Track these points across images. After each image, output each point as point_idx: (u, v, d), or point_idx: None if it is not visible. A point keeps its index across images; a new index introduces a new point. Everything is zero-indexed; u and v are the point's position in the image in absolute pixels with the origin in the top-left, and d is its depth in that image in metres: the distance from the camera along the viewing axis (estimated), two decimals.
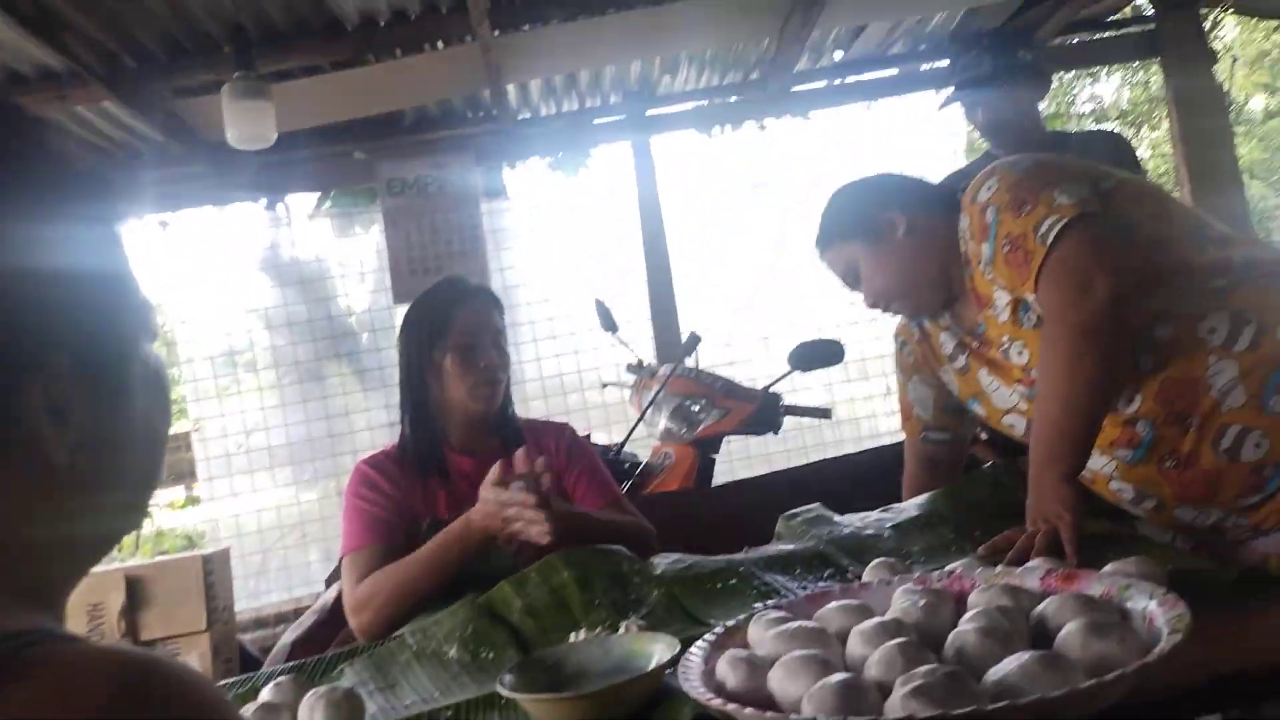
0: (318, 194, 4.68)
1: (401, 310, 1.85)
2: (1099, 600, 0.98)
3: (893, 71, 4.07)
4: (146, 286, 0.62)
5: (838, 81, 4.16)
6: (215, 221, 3.94)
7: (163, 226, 4.00)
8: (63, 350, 0.53)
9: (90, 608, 2.44)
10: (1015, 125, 2.25)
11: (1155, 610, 0.93)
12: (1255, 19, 8.12)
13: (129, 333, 0.58)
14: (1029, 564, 1.13)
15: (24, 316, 0.52)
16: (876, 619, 1.01)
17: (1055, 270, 1.29)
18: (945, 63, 3.80)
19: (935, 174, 2.11)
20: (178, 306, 3.68)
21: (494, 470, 1.49)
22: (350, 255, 3.88)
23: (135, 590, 2.47)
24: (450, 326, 1.72)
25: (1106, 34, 4.18)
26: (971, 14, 3.79)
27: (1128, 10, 4.16)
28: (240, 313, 3.70)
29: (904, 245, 1.52)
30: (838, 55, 4.06)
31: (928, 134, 4.35)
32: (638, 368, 2.96)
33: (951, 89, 2.38)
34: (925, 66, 4.03)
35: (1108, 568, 1.07)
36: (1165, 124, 4.22)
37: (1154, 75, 7.70)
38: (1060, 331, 1.29)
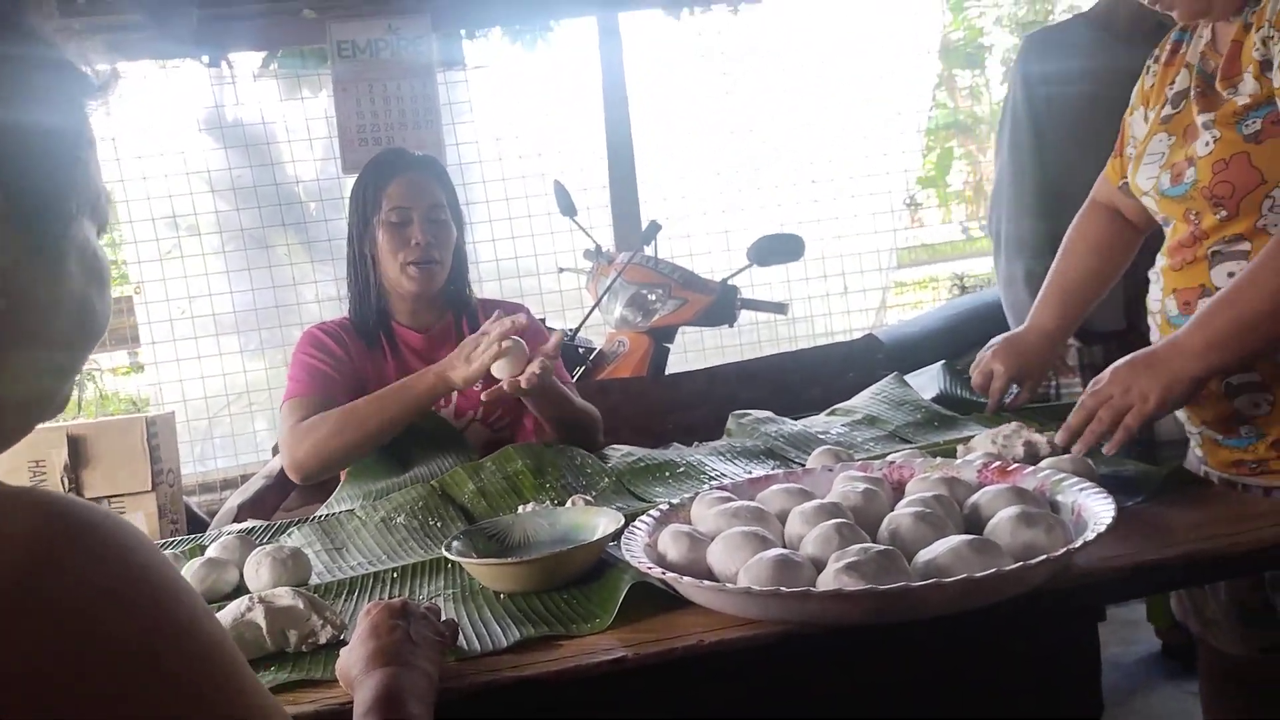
0: (263, 53, 4.44)
1: (351, 181, 1.78)
2: (1031, 493, 1.02)
3: None
4: (100, 173, 0.59)
5: None
6: (155, 77, 3.73)
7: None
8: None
9: (33, 464, 2.41)
10: None
11: (1084, 503, 0.97)
12: None
13: (72, 204, 0.56)
14: (968, 457, 1.16)
15: None
16: (816, 501, 1.04)
17: None
18: None
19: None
20: (118, 164, 3.50)
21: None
22: (298, 120, 3.71)
23: (77, 448, 2.44)
24: (382, 200, 1.65)
25: None
26: None
27: None
28: (182, 174, 3.54)
29: None
30: None
31: (902, 20, 4.20)
32: (595, 254, 2.92)
33: None
34: None
35: (1043, 463, 1.11)
36: None
37: None
38: None
